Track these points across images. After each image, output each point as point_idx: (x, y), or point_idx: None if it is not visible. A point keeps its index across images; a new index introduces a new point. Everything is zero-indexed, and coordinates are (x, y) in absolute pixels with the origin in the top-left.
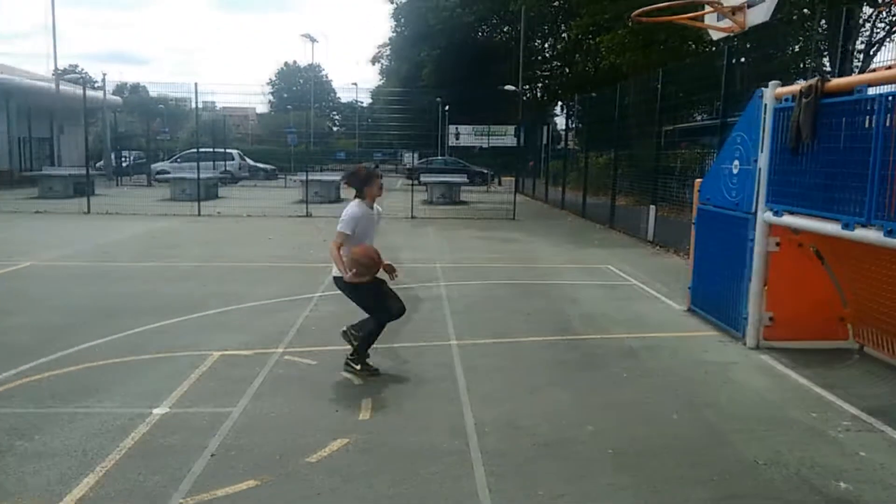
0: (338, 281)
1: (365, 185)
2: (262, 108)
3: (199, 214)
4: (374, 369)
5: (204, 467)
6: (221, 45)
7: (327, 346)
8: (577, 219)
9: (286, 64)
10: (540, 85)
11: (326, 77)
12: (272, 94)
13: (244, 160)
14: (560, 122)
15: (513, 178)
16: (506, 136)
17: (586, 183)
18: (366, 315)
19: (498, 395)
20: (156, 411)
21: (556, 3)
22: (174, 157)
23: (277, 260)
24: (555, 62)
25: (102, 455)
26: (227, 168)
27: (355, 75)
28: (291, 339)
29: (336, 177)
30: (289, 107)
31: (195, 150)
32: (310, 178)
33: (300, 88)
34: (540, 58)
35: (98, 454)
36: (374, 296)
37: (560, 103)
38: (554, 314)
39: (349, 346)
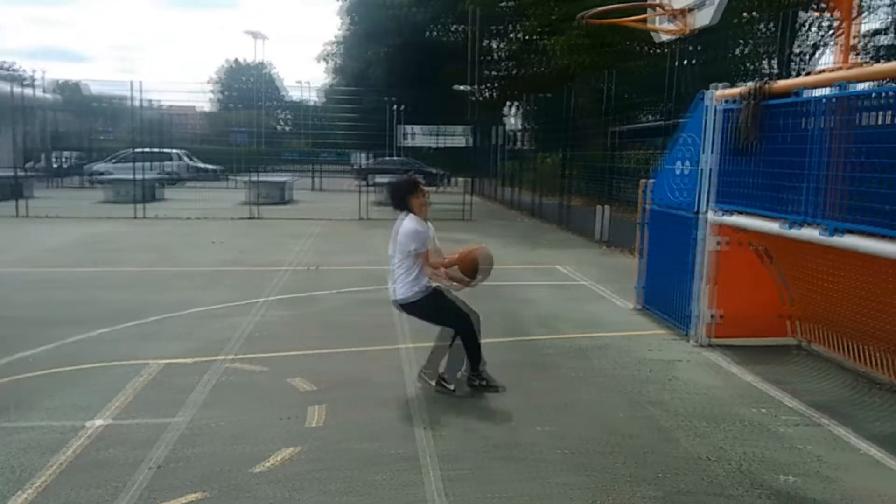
0: (411, 306)
1: (409, 195)
2: (208, 107)
3: (140, 217)
4: (494, 383)
5: (144, 481)
6: (165, 42)
7: (275, 352)
8: (530, 219)
9: (229, 61)
10: (492, 85)
11: (275, 75)
12: (218, 92)
13: (188, 160)
14: (513, 122)
15: (466, 179)
16: (458, 137)
17: (538, 183)
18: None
19: (450, 398)
20: (92, 424)
21: (504, 4)
22: (113, 158)
23: (222, 264)
24: (507, 62)
25: (34, 471)
26: (170, 169)
27: (305, 73)
28: (237, 346)
29: (285, 177)
30: (236, 105)
31: (135, 150)
32: (256, 178)
33: (247, 86)
34: (492, 58)
35: (30, 471)
36: (450, 305)
37: (513, 104)
38: (506, 315)
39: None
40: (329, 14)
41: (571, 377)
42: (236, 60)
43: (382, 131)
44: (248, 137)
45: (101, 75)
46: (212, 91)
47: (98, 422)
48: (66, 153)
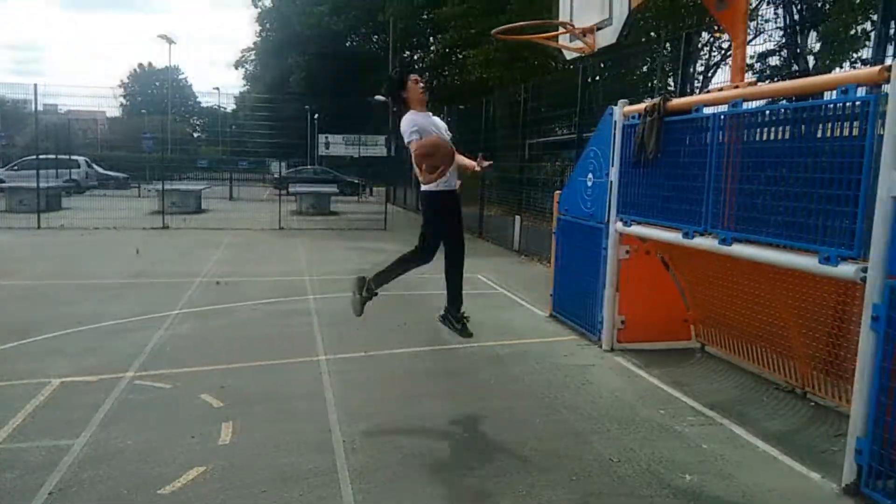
0: (429, 199)
1: (399, 90)
2: (114, 112)
3: (40, 227)
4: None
5: None
6: (69, 44)
7: (185, 367)
8: None
9: (140, 65)
10: None
11: (186, 81)
12: (125, 97)
13: (92, 168)
14: None
15: (384, 188)
16: (377, 147)
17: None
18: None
19: (367, 409)
20: None
21: (425, 17)
22: (11, 165)
23: (131, 276)
24: (425, 74)
25: None
26: (73, 176)
27: (218, 80)
28: (144, 362)
29: (199, 186)
30: (144, 111)
31: (35, 156)
32: (167, 187)
33: (157, 92)
34: (412, 69)
35: None
36: (455, 220)
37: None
38: (425, 324)
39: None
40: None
41: (489, 384)
42: (149, 64)
43: (301, 140)
44: (158, 144)
45: None
46: (122, 96)
47: None
48: None
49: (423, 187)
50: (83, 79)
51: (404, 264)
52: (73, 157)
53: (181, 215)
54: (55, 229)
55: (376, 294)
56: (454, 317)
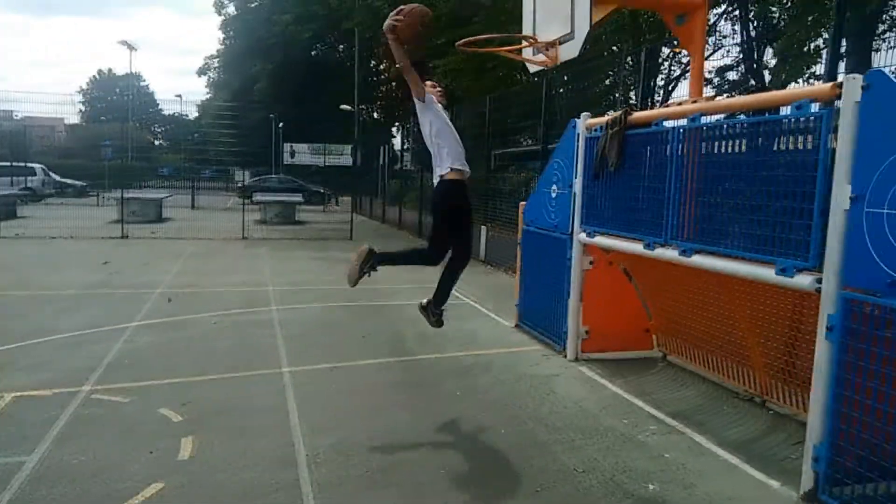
0: (445, 190)
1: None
2: (73, 119)
3: None
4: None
5: None
6: (26, 50)
7: (143, 380)
8: (414, 238)
9: (100, 72)
10: (377, 105)
11: (148, 88)
12: (85, 103)
13: (49, 175)
14: (400, 143)
15: (350, 198)
16: (343, 156)
17: (422, 203)
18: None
19: (332, 422)
20: None
21: None
22: None
23: (89, 287)
24: (392, 83)
25: None
26: (29, 184)
27: (181, 87)
28: (101, 375)
29: (160, 194)
30: (104, 118)
31: None
32: (127, 195)
33: (117, 99)
34: (377, 79)
35: None
36: (451, 227)
37: (401, 124)
38: (391, 335)
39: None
40: (210, 27)
41: (454, 395)
42: (109, 70)
43: (266, 148)
44: (118, 151)
45: None
46: (81, 102)
47: None
48: None
49: (440, 178)
50: (40, 84)
51: (412, 259)
52: (30, 165)
53: (142, 224)
54: (10, 239)
55: (375, 270)
56: (434, 312)
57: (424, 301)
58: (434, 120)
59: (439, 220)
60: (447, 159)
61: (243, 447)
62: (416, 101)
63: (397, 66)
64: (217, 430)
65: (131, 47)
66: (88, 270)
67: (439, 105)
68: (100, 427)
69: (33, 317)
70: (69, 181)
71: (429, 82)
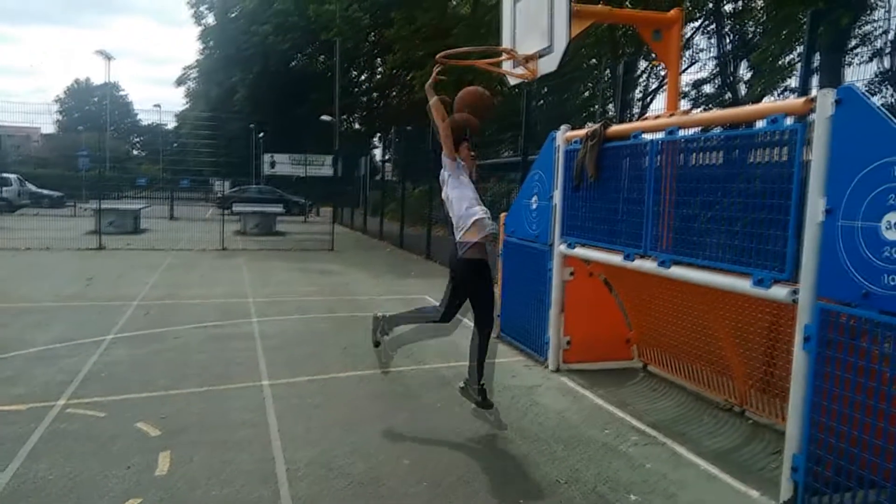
0: (467, 264)
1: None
2: (49, 129)
3: None
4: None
5: None
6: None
7: (119, 394)
8: (395, 249)
9: (77, 81)
10: (358, 116)
11: (126, 97)
12: (61, 113)
13: (25, 185)
14: (381, 153)
15: (331, 208)
16: (323, 166)
17: (404, 214)
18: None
19: (312, 435)
20: None
21: (372, 37)
22: None
23: (64, 299)
24: (373, 94)
25: None
26: (4, 194)
27: (159, 97)
28: (76, 389)
29: (137, 205)
30: (80, 127)
31: None
32: (104, 206)
33: (94, 108)
34: (357, 89)
35: None
36: (490, 289)
37: (382, 135)
38: (371, 347)
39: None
40: (191, 37)
41: (435, 407)
42: (86, 80)
43: (245, 159)
44: (95, 161)
45: None
46: (58, 112)
47: None
48: None
49: (463, 255)
50: (14, 93)
51: (422, 318)
52: (4, 175)
53: (119, 235)
54: None
55: (387, 335)
56: (474, 388)
57: (462, 382)
58: (452, 190)
59: (479, 285)
60: (461, 227)
61: (222, 462)
62: (443, 159)
63: (437, 122)
64: (195, 445)
65: (108, 57)
66: (64, 282)
67: (466, 176)
68: (75, 442)
69: (6, 330)
70: (45, 191)
71: (465, 146)
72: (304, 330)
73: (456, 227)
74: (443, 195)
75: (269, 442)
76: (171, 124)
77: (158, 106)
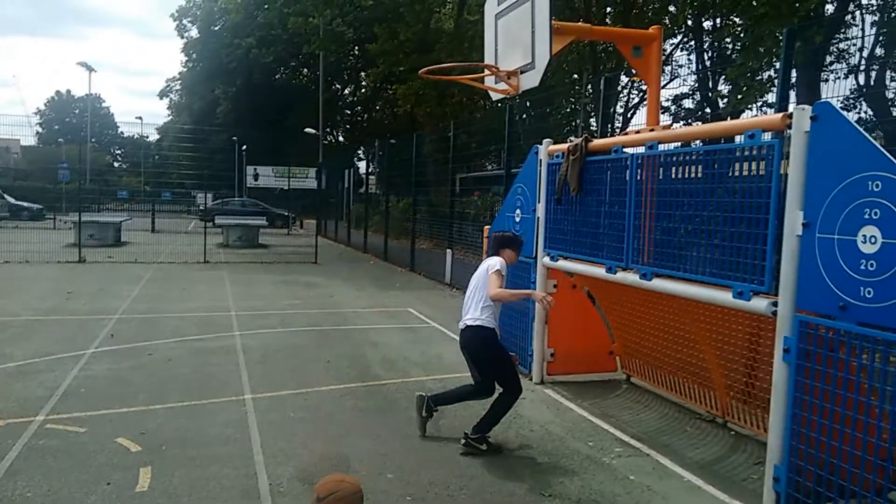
0: (480, 344)
1: (509, 247)
2: (29, 141)
3: None
4: (497, 446)
5: None
6: None
7: (99, 409)
8: (379, 262)
9: (58, 93)
10: (342, 129)
11: (108, 110)
12: (41, 125)
13: (3, 198)
14: (365, 166)
15: (315, 221)
16: (307, 179)
17: (388, 226)
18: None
19: (295, 449)
20: None
21: (356, 52)
22: None
23: (42, 313)
24: (356, 107)
25: None
26: None
27: (141, 109)
28: (56, 405)
29: (119, 217)
30: (61, 139)
31: None
32: (85, 218)
33: (75, 120)
34: (341, 103)
35: None
36: (510, 364)
37: (366, 148)
38: (355, 360)
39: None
40: (174, 49)
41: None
42: (67, 92)
43: (229, 171)
44: (76, 174)
45: None
46: (38, 124)
47: None
48: None
49: (475, 322)
50: None
51: (465, 397)
52: None
53: (99, 248)
54: None
55: (436, 411)
56: (477, 439)
57: (465, 436)
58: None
59: (490, 365)
60: (482, 311)
61: (203, 477)
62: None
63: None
64: (176, 460)
65: (90, 68)
66: (43, 295)
67: (503, 272)
68: (55, 458)
69: None
70: (24, 204)
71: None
72: (287, 343)
73: None
74: (477, 275)
75: (252, 457)
76: (153, 136)
77: (140, 118)
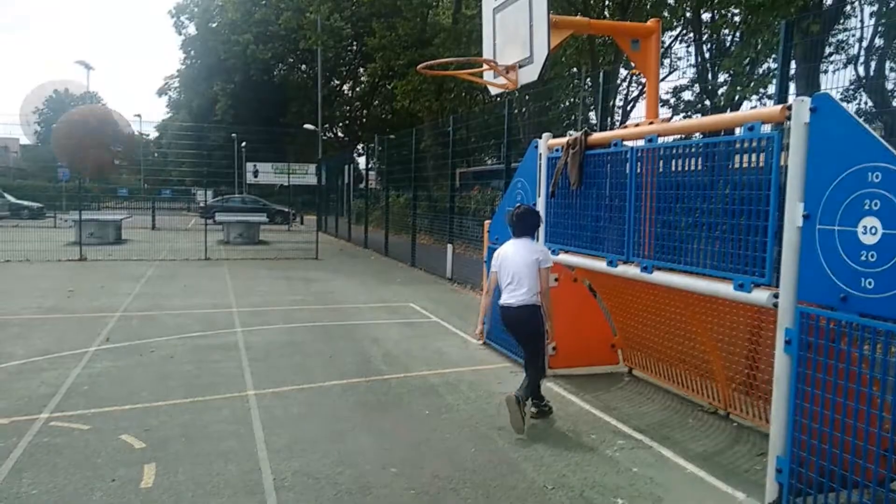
0: (529, 314)
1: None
2: (28, 139)
3: None
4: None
5: None
6: None
7: (102, 407)
8: (380, 257)
9: (56, 91)
10: (341, 125)
11: (108, 107)
12: (40, 123)
13: (3, 197)
14: (365, 162)
15: (315, 217)
16: (307, 175)
17: (388, 222)
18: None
19: (298, 445)
20: None
21: (354, 47)
22: None
23: (44, 311)
24: (355, 103)
25: None
26: None
27: (139, 107)
28: (59, 403)
29: (119, 215)
30: None
31: None
32: (85, 216)
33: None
34: (340, 99)
35: None
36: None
37: (365, 144)
38: (357, 355)
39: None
40: (172, 46)
41: (422, 414)
42: (65, 90)
43: (228, 168)
44: (75, 172)
45: None
46: (37, 122)
47: None
48: None
49: (531, 302)
50: None
51: (534, 380)
52: None
53: (100, 246)
54: None
55: (527, 405)
56: (527, 404)
57: (514, 395)
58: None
59: (539, 340)
60: (533, 295)
61: (207, 473)
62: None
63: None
64: (180, 457)
65: (88, 66)
66: (44, 294)
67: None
68: (58, 456)
69: None
70: (24, 202)
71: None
72: (289, 339)
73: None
74: (529, 261)
75: (255, 452)
76: (152, 134)
77: (139, 116)
